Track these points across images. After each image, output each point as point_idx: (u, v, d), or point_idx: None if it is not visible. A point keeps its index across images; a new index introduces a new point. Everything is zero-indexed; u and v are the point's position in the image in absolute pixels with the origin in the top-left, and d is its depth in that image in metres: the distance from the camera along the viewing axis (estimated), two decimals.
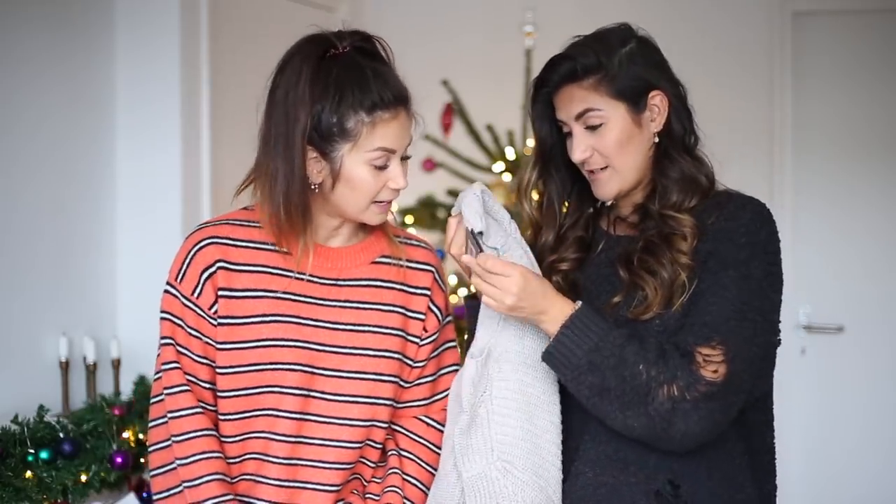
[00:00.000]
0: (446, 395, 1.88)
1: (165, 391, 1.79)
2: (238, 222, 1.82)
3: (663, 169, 1.77)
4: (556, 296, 1.68)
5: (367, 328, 1.81)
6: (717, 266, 1.66)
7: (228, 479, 1.78)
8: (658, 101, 1.77)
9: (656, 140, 1.78)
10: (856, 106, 4.27)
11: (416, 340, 1.86)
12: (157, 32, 3.29)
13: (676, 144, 1.78)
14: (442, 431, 1.87)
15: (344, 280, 1.82)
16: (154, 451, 1.82)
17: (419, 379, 1.88)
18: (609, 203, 1.87)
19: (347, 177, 1.72)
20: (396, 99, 1.72)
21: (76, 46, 3.16)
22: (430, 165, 4.01)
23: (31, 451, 2.59)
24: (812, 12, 4.29)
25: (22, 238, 2.97)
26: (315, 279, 1.81)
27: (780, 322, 1.75)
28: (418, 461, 1.87)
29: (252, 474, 1.80)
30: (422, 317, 1.86)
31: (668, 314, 1.68)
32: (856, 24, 4.28)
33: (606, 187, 1.78)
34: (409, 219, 3.91)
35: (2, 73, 2.91)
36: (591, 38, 1.80)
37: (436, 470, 1.86)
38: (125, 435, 2.81)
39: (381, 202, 1.77)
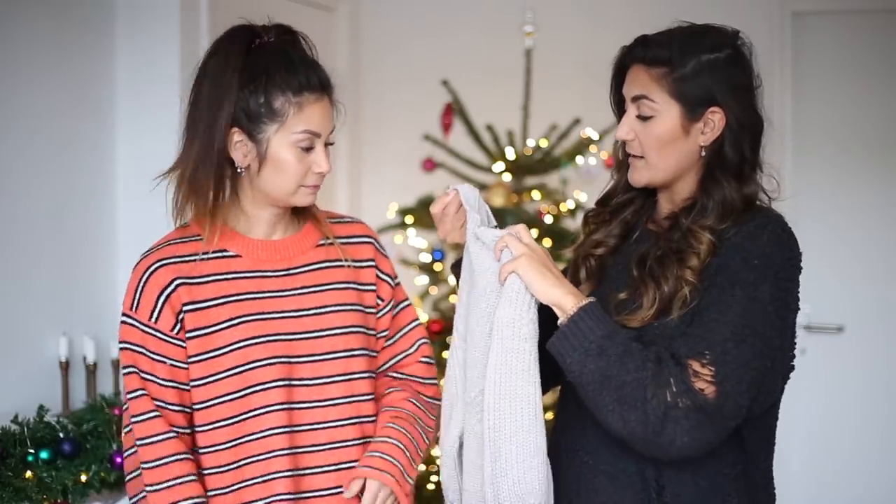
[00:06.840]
0: (410, 354, 1.99)
1: (133, 419, 1.80)
2: (179, 240, 1.86)
3: (707, 189, 1.74)
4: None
5: (329, 309, 1.87)
6: (726, 283, 1.64)
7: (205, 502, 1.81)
8: (715, 118, 1.72)
9: (703, 154, 1.75)
10: (855, 106, 4.27)
11: (373, 311, 1.94)
12: (158, 34, 3.30)
13: (725, 169, 1.74)
14: (412, 379, 1.99)
15: (295, 268, 1.88)
16: (129, 480, 1.86)
17: (384, 345, 1.98)
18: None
19: (273, 159, 1.78)
20: (322, 83, 1.79)
21: (77, 48, 3.17)
22: (430, 165, 3.99)
23: (31, 451, 2.59)
24: (812, 12, 4.29)
25: (22, 238, 2.97)
26: (268, 273, 1.85)
27: (793, 348, 1.70)
28: (402, 400, 1.96)
29: (260, 476, 1.81)
30: (372, 287, 1.94)
31: (665, 322, 1.67)
32: (856, 24, 4.28)
33: (636, 174, 1.80)
34: (409, 219, 3.90)
35: (2, 74, 2.91)
36: (686, 30, 1.78)
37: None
38: None
39: (308, 186, 1.82)
